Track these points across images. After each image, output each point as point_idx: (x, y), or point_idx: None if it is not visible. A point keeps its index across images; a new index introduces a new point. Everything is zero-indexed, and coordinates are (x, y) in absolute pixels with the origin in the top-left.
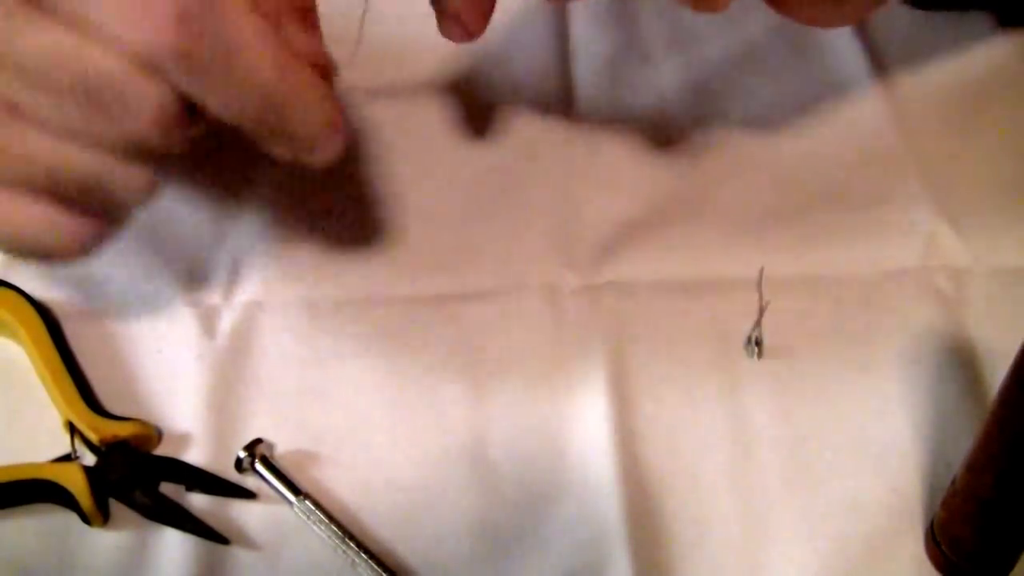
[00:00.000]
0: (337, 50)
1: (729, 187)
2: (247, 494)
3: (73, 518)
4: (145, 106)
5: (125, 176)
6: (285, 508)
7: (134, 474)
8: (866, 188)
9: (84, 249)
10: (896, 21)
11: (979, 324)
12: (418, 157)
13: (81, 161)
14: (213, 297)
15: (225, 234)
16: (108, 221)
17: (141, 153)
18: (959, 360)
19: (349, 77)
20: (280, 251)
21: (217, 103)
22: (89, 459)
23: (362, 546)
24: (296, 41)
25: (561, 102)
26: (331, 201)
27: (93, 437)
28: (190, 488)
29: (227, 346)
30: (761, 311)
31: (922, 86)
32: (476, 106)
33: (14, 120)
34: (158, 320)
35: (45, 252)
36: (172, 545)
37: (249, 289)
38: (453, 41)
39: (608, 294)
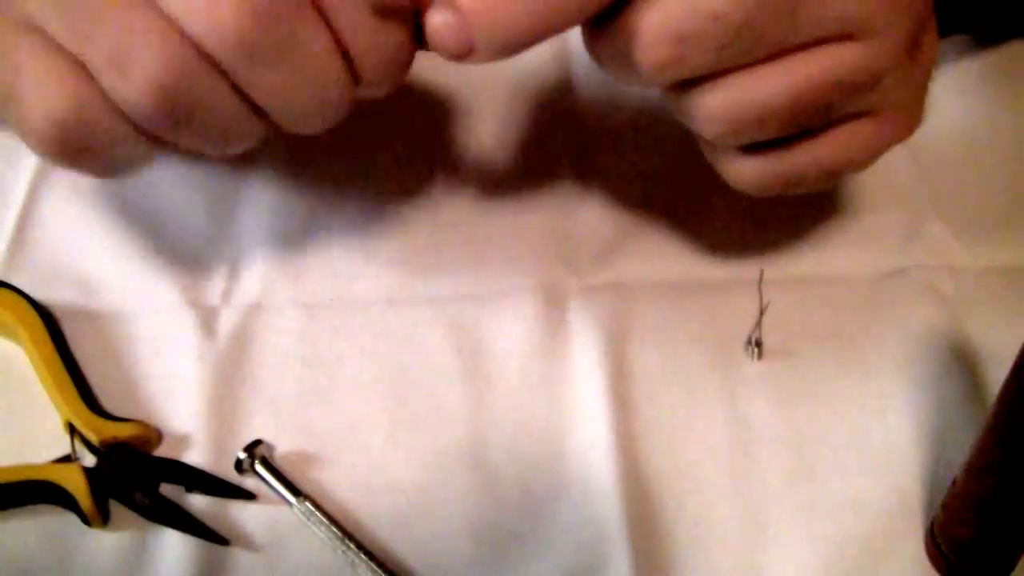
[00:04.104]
0: None
1: (729, 187)
2: (247, 495)
3: (73, 519)
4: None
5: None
6: (285, 509)
7: (134, 475)
8: (866, 189)
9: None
10: None
11: (979, 324)
12: (417, 158)
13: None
14: (213, 297)
15: (225, 234)
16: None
17: None
18: (959, 360)
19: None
20: (280, 251)
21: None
22: (89, 460)
23: (362, 547)
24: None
25: (561, 101)
26: (331, 201)
27: (93, 438)
28: (190, 489)
29: (227, 347)
30: (761, 312)
31: None
32: (475, 106)
33: None
34: (158, 320)
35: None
36: (172, 546)
37: (249, 289)
38: (435, 45)
39: (608, 294)
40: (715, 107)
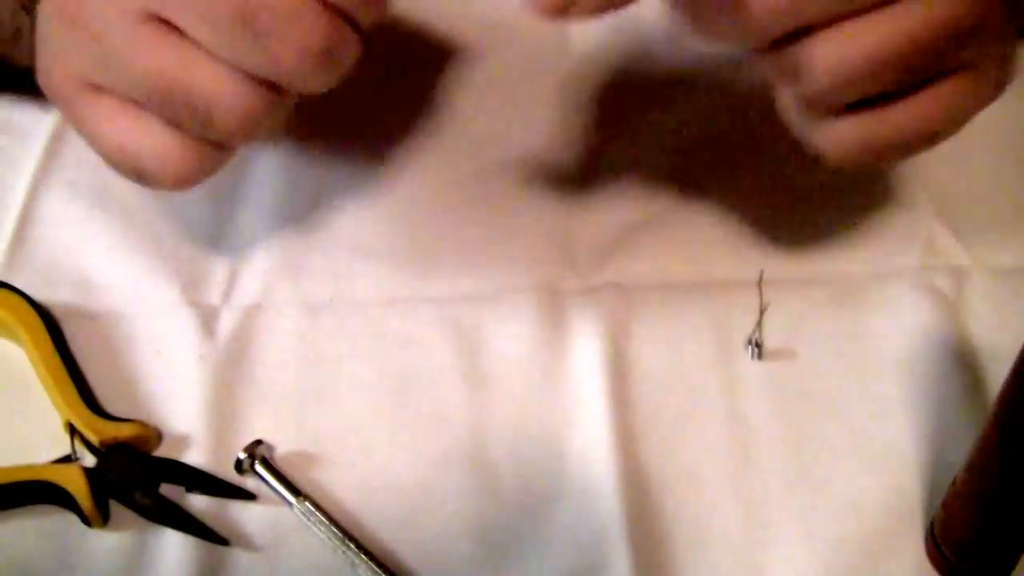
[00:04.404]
0: None
1: (729, 187)
2: (247, 495)
3: (73, 519)
4: (293, 41)
5: (260, 105)
6: (285, 509)
7: (134, 475)
8: (866, 188)
9: (186, 178)
10: None
11: (979, 324)
12: (417, 158)
13: (220, 86)
14: (213, 297)
15: (225, 234)
16: (218, 151)
17: (278, 87)
18: (959, 360)
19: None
20: (280, 251)
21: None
22: (89, 460)
23: (362, 547)
24: None
25: (562, 101)
26: (331, 201)
27: (93, 438)
28: (190, 489)
29: (227, 347)
30: (761, 312)
31: None
32: (475, 106)
33: (167, 36)
34: (158, 320)
35: (149, 174)
36: (172, 546)
37: (249, 289)
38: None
39: (608, 294)
40: (828, 58)
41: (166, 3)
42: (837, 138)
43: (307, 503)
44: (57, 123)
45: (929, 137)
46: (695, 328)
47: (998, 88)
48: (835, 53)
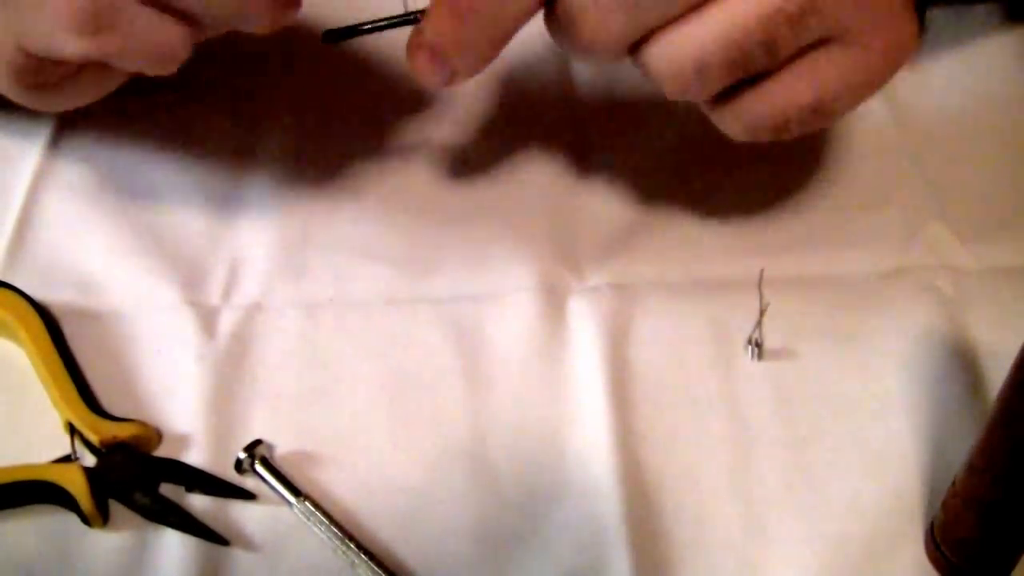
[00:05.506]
0: None
1: (729, 187)
2: (247, 495)
3: (73, 519)
4: None
5: None
6: (285, 509)
7: (134, 475)
8: (866, 188)
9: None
10: None
11: (979, 324)
12: (417, 158)
13: None
14: (213, 297)
15: (225, 234)
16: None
17: None
18: (959, 360)
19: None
20: (280, 251)
21: None
22: (89, 460)
23: (362, 547)
24: None
25: (561, 101)
26: (331, 202)
27: (93, 438)
28: (190, 489)
29: (227, 347)
30: (761, 312)
31: (922, 86)
32: (475, 106)
33: None
34: (158, 320)
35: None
36: (172, 546)
37: (249, 289)
38: (426, 83)
39: (608, 294)
40: (659, 66)
41: None
42: (725, 122)
43: (307, 503)
44: (56, 124)
45: (812, 109)
46: (695, 328)
47: (888, 60)
48: (662, 61)
